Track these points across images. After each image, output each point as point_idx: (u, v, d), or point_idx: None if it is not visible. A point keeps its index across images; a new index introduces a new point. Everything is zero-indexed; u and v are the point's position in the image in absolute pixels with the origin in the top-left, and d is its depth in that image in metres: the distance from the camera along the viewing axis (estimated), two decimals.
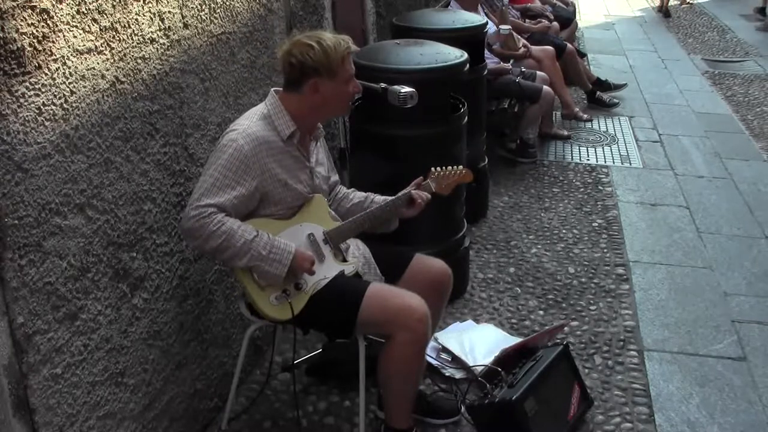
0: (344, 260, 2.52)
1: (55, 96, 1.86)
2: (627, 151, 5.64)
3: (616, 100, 6.61)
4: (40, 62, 1.80)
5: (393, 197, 2.58)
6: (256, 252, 2.24)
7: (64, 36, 1.87)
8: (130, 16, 2.13)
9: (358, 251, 2.58)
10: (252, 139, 2.28)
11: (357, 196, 2.69)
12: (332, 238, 2.48)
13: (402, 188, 2.61)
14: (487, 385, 2.86)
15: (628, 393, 2.97)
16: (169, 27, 2.34)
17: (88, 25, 1.96)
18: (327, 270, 2.44)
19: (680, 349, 3.27)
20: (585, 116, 6.26)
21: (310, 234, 2.44)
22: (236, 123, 2.36)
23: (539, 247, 4.15)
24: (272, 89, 2.43)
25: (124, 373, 2.22)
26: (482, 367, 2.98)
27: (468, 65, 3.38)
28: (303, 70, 2.32)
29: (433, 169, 2.69)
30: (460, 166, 2.75)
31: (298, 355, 2.98)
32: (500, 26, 5.41)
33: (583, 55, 7.32)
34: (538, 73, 5.55)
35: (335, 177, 2.71)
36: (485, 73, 4.36)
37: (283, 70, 2.39)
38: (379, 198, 2.63)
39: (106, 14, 2.02)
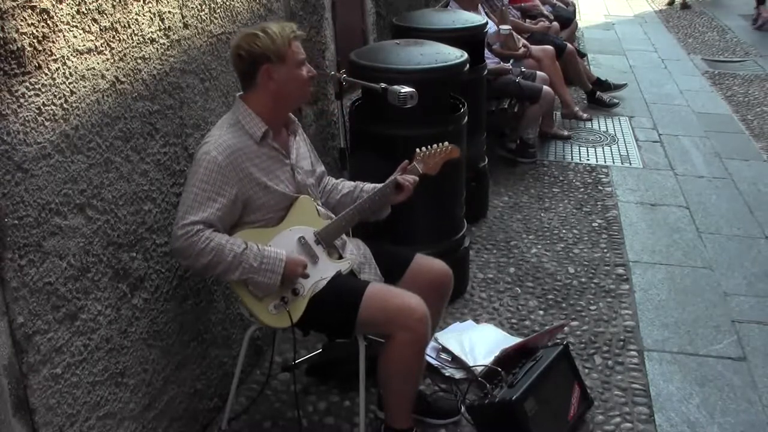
0: (341, 257, 2.51)
1: (55, 96, 1.86)
2: (627, 151, 5.64)
3: (616, 100, 6.61)
4: (40, 62, 1.80)
5: (381, 185, 2.56)
6: (248, 264, 2.23)
7: (64, 36, 1.87)
8: (130, 16, 2.13)
9: (358, 250, 2.58)
10: (225, 148, 2.27)
11: (346, 186, 2.68)
12: (323, 237, 2.46)
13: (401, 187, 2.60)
14: (487, 385, 2.86)
15: (628, 393, 2.97)
16: (169, 27, 2.34)
17: (88, 25, 1.96)
18: (323, 271, 2.43)
19: (680, 349, 3.27)
20: (585, 116, 6.26)
21: (300, 237, 2.42)
22: (208, 134, 2.35)
23: (539, 247, 4.15)
24: (237, 95, 2.42)
25: (124, 373, 2.22)
26: (482, 367, 2.98)
27: (468, 65, 3.37)
28: (252, 59, 2.31)
29: (418, 150, 2.62)
30: (446, 143, 2.68)
31: (298, 355, 2.97)
32: (500, 26, 5.41)
33: (583, 55, 7.33)
34: (538, 73, 5.55)
35: (321, 168, 2.69)
36: (485, 73, 4.36)
37: (236, 67, 2.39)
38: (369, 186, 2.61)
39: (106, 14, 2.02)
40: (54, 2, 1.82)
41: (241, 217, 2.34)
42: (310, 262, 2.39)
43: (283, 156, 2.44)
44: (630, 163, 5.41)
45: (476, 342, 3.14)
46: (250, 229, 2.35)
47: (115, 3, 2.06)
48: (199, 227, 2.20)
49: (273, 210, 2.39)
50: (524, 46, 5.65)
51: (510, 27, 5.48)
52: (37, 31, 1.78)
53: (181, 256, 2.26)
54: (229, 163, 2.26)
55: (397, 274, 2.58)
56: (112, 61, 2.07)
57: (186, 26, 2.44)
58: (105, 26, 2.02)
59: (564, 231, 4.34)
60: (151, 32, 2.25)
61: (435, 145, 2.66)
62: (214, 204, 2.24)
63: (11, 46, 1.70)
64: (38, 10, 1.77)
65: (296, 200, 2.45)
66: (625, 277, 3.85)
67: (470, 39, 4.03)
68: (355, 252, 2.56)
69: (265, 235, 2.35)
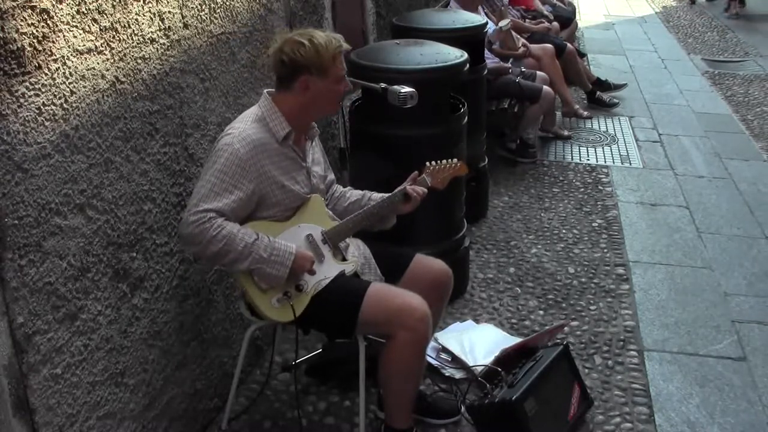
0: (344, 259, 2.52)
1: (55, 96, 1.86)
2: (627, 151, 5.64)
3: (616, 100, 6.61)
4: (40, 62, 1.80)
5: (389, 194, 2.58)
6: (258, 255, 2.24)
7: (64, 36, 1.87)
8: (130, 16, 2.13)
9: (358, 251, 2.58)
10: (248, 143, 2.28)
11: (354, 194, 2.69)
12: (331, 237, 2.48)
13: None
14: (487, 385, 2.86)
15: (628, 393, 2.97)
16: (169, 27, 2.34)
17: (88, 25, 1.96)
18: (327, 270, 2.44)
19: (680, 349, 3.27)
20: (585, 113, 6.27)
21: (308, 235, 2.44)
22: (231, 126, 2.36)
23: (539, 247, 4.15)
24: (265, 91, 2.43)
25: (124, 373, 2.22)
26: (482, 367, 2.98)
27: (468, 65, 3.37)
28: (294, 67, 2.32)
29: (428, 163, 2.68)
30: (455, 159, 2.74)
31: (298, 355, 2.97)
32: (500, 22, 5.39)
33: (583, 55, 7.32)
34: (538, 73, 5.55)
35: (332, 175, 2.71)
36: (485, 73, 4.36)
37: (275, 68, 2.39)
38: (376, 195, 2.63)
39: (106, 14, 2.02)
40: (54, 2, 1.82)
41: (253, 211, 2.35)
42: (317, 260, 2.40)
43: (300, 159, 2.45)
44: (630, 163, 5.41)
45: (476, 342, 3.14)
46: (259, 222, 2.36)
47: (115, 3, 2.06)
48: (212, 215, 2.20)
49: (286, 208, 2.41)
50: (524, 45, 5.64)
51: (510, 21, 5.44)
52: (37, 31, 1.77)
53: (191, 243, 2.25)
54: (250, 158, 2.27)
55: (397, 274, 2.58)
56: (112, 61, 2.07)
57: (186, 26, 2.44)
58: (105, 26, 2.02)
59: (564, 231, 4.34)
60: (151, 32, 2.25)
61: (444, 161, 2.71)
62: (230, 196, 2.24)
63: (11, 46, 1.70)
64: (38, 10, 1.77)
65: (308, 199, 2.46)
66: (625, 277, 3.85)
67: (470, 39, 4.03)
68: (356, 253, 2.57)
69: (274, 229, 2.37)
